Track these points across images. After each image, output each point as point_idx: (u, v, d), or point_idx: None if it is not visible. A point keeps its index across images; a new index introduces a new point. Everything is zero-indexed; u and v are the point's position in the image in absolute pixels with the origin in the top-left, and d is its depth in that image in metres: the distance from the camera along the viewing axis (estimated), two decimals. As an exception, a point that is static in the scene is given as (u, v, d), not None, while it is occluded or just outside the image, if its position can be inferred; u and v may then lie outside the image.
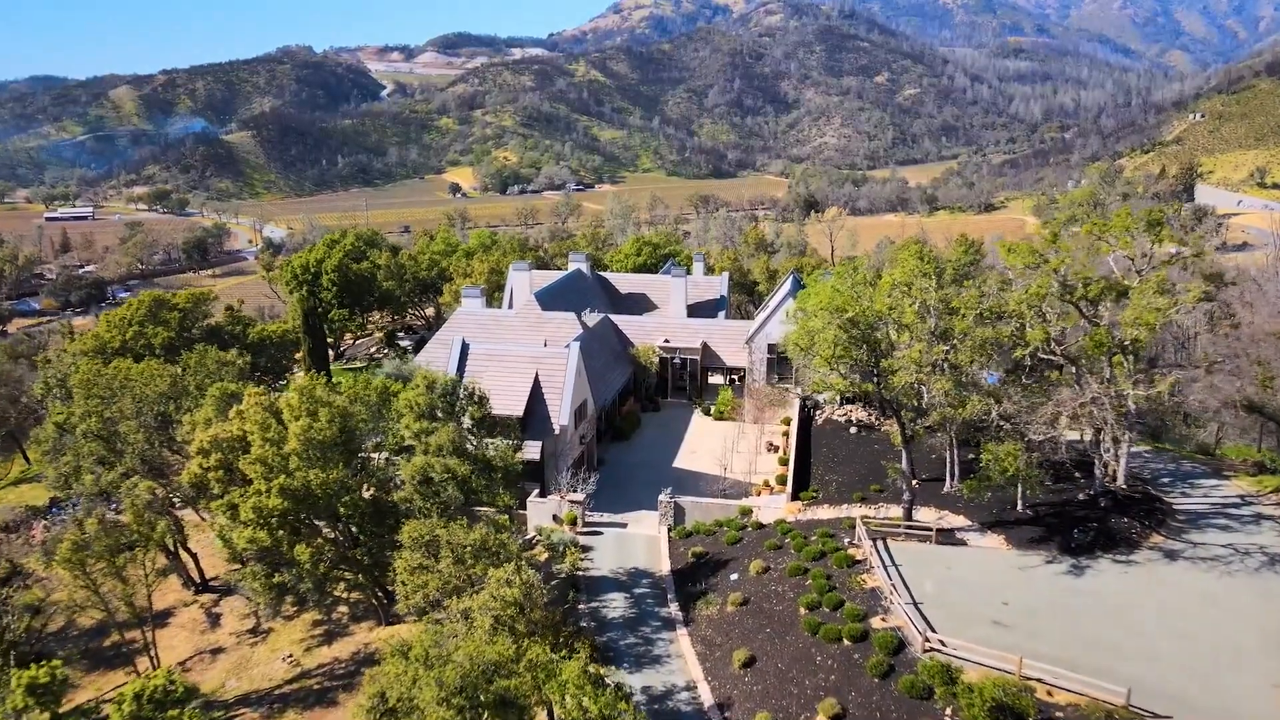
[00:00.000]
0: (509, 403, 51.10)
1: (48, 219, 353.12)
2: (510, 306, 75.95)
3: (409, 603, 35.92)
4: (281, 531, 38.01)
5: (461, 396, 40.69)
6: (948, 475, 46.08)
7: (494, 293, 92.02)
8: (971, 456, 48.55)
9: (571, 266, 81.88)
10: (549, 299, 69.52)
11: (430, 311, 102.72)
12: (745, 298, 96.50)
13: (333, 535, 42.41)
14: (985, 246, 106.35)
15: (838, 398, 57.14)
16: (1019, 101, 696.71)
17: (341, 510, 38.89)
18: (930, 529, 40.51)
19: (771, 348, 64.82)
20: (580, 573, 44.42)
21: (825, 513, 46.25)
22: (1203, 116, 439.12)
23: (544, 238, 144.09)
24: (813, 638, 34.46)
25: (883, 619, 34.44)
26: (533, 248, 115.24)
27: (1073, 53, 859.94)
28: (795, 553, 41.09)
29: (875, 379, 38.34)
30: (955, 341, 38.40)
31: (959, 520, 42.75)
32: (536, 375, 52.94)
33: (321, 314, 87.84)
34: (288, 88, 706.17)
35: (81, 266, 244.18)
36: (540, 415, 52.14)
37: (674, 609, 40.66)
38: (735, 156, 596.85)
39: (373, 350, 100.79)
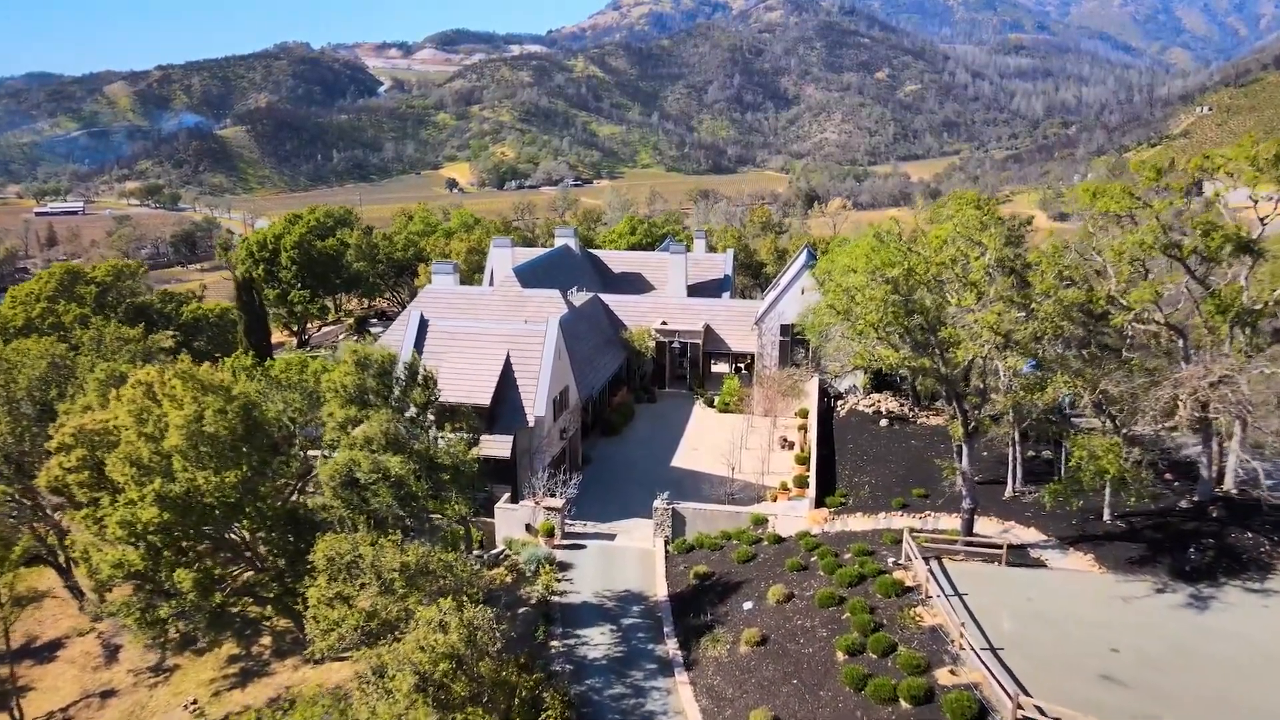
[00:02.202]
0: (474, 389, 42.48)
1: (37, 214, 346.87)
2: (491, 286, 67.35)
3: (323, 644, 27.36)
4: (166, 551, 29.39)
5: (403, 377, 31.99)
6: (1010, 477, 37.42)
7: (474, 274, 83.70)
8: (1033, 454, 40.07)
9: (558, 242, 73.24)
10: (530, 275, 60.83)
11: (407, 296, 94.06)
12: (751, 280, 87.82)
13: (248, 554, 33.86)
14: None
15: (869, 384, 48.61)
16: (1020, 98, 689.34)
17: (245, 523, 30.24)
18: (999, 545, 31.84)
19: (785, 329, 56.21)
20: (556, 598, 35.76)
21: (858, 523, 37.59)
22: (1210, 110, 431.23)
23: (535, 223, 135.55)
24: (857, 695, 25.80)
25: (952, 671, 25.76)
26: (517, 228, 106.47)
27: (1073, 50, 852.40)
28: (825, 575, 32.44)
29: (933, 353, 29.65)
30: (1033, 304, 29.73)
31: (1030, 534, 34.09)
32: (508, 357, 44.29)
33: (280, 296, 79.17)
34: (284, 83, 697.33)
35: (66, 260, 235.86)
36: (512, 404, 43.48)
37: (672, 647, 32.00)
38: (735, 152, 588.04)
39: (341, 338, 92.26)
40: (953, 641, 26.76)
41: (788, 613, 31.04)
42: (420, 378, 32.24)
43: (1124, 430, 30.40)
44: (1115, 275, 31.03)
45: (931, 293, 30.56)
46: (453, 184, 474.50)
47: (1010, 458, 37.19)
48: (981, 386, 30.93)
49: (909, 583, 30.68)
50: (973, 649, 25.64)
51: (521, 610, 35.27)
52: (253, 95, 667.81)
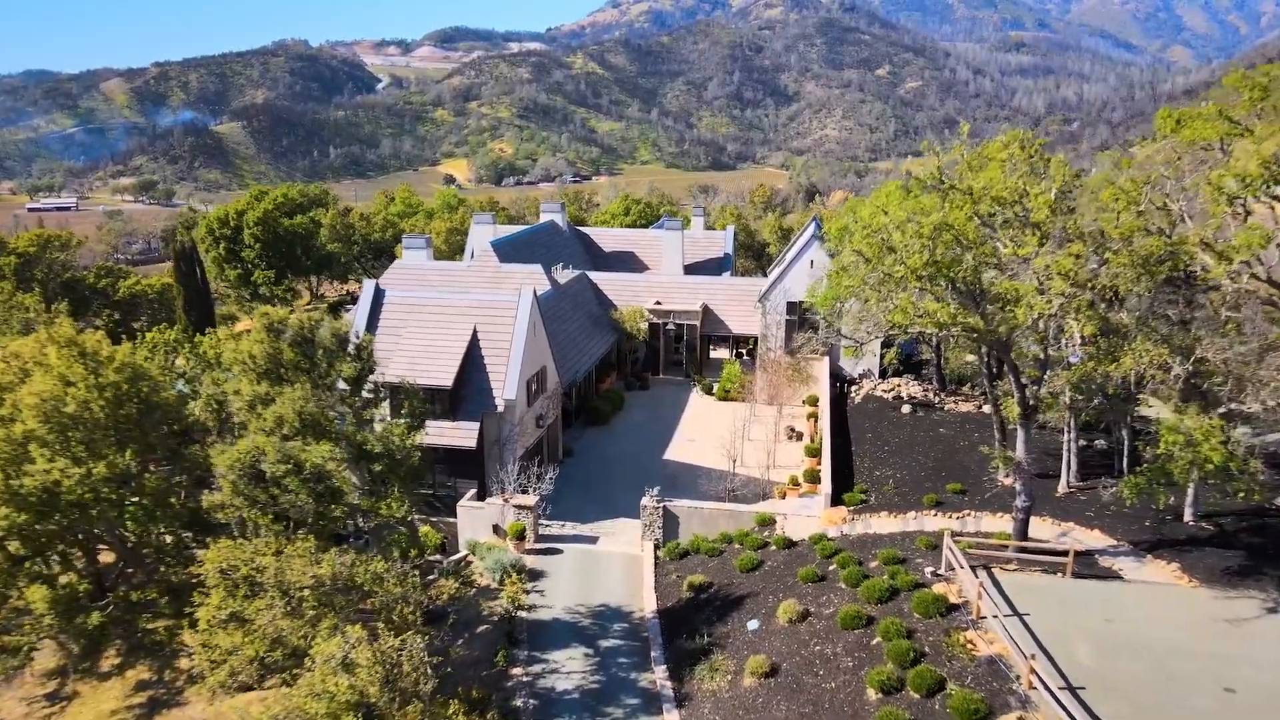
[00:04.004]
0: (434, 368, 36.62)
1: (29, 209, 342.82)
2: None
3: (215, 679, 21.55)
4: (27, 561, 23.53)
5: (329, 345, 26.05)
6: (1064, 469, 31.63)
7: (455, 256, 78.05)
8: (1084, 444, 34.25)
9: (544, 218, 67.40)
10: (510, 250, 55.00)
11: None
12: (754, 263, 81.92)
13: (147, 562, 28.00)
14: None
15: (895, 359, 42.63)
16: (1021, 94, 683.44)
17: (129, 526, 24.37)
18: (1064, 552, 25.97)
19: (792, 307, 50.32)
20: (523, 613, 29.93)
21: (884, 524, 31.73)
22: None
23: (525, 209, 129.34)
24: (897, 748, 19.96)
25: (1021, 717, 19.88)
26: (504, 209, 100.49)
27: (1074, 48, 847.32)
28: (848, 589, 26.61)
29: (984, 310, 23.75)
30: (1108, 254, 23.87)
31: (1094, 537, 28.25)
32: (474, 332, 38.39)
33: (242, 277, 73.31)
34: (282, 80, 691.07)
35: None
36: (479, 386, 37.60)
37: (660, 676, 26.18)
38: (735, 149, 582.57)
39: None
40: (1019, 678, 20.87)
41: (803, 635, 25.20)
42: (350, 346, 26.35)
43: (1220, 410, 24.52)
44: (1210, 217, 25.14)
45: (975, 248, 24.63)
46: (450, 180, 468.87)
47: (1065, 447, 31.39)
48: (1042, 357, 25.06)
49: (953, 598, 24.83)
50: (1048, 689, 19.77)
51: (481, 629, 29.47)
52: (250, 92, 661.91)
